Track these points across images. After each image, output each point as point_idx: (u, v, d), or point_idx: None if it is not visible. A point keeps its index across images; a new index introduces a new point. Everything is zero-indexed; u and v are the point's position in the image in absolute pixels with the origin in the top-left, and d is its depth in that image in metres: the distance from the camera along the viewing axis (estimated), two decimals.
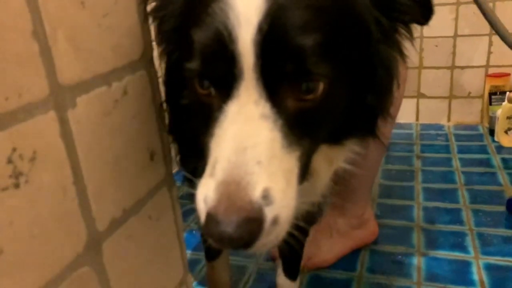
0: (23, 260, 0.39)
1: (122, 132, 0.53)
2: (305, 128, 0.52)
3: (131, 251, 0.56)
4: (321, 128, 0.56)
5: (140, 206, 0.57)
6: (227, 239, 0.44)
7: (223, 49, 0.48)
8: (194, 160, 0.60)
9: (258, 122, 0.48)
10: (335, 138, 0.63)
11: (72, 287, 0.45)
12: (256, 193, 0.45)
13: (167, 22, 0.56)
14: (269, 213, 0.45)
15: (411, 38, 0.62)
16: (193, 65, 0.50)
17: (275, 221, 0.46)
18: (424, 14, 0.61)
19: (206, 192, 0.46)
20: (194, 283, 1.33)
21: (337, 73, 0.51)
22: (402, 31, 0.61)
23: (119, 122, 0.52)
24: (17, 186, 0.38)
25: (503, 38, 1.13)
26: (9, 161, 0.38)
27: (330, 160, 0.66)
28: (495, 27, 1.10)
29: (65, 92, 0.44)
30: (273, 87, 0.49)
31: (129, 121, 0.54)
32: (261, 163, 0.46)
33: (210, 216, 0.45)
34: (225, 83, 0.49)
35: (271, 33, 0.47)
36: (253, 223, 0.44)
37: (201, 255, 1.36)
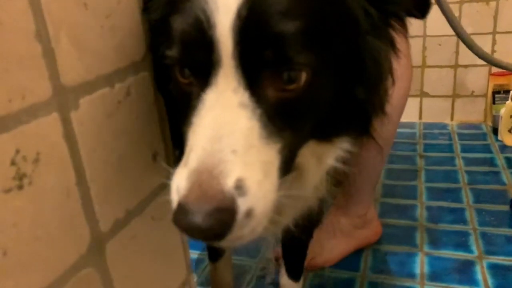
0: (27, 262, 0.39)
1: (125, 133, 0.53)
2: (286, 119, 0.50)
3: (135, 251, 0.56)
4: (305, 121, 0.54)
5: (143, 206, 0.57)
6: (196, 230, 0.42)
7: (201, 36, 0.47)
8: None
9: (236, 111, 0.47)
10: (324, 134, 0.60)
11: None
12: (228, 182, 0.43)
13: (155, 12, 0.55)
14: (243, 204, 0.43)
15: (405, 32, 0.60)
16: (172, 52, 0.49)
17: (249, 213, 0.44)
18: (419, 6, 0.59)
19: (179, 182, 0.45)
20: (197, 283, 1.33)
21: (321, 63, 0.50)
22: (396, 25, 0.59)
23: (122, 123, 0.52)
24: (20, 187, 0.38)
25: (464, 41, 1.12)
26: (13, 162, 0.38)
27: (319, 158, 0.63)
28: (457, 30, 1.10)
29: (68, 93, 0.44)
30: (252, 75, 0.47)
31: (132, 122, 0.54)
32: (237, 152, 0.45)
33: (180, 205, 0.43)
34: (204, 70, 0.48)
35: (250, 19, 0.45)
36: (224, 214, 0.42)
37: (204, 254, 1.36)
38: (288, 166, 0.53)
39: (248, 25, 0.45)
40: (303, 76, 0.49)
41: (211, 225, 0.42)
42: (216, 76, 0.47)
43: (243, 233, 0.45)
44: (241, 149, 0.45)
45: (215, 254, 1.16)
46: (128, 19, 0.53)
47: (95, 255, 0.48)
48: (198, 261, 1.41)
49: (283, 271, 1.09)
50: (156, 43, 0.55)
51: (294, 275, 1.08)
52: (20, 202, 0.38)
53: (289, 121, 0.50)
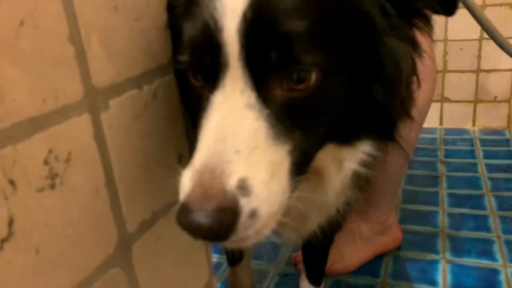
0: (57, 260, 0.40)
1: (152, 134, 0.53)
2: (296, 120, 0.49)
3: (159, 253, 0.56)
4: (316, 121, 0.52)
5: (168, 208, 0.57)
6: (197, 229, 0.42)
7: (209, 40, 0.47)
8: None
9: (242, 112, 0.47)
10: (343, 137, 0.59)
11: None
12: (231, 182, 0.43)
13: (175, 19, 0.55)
14: (246, 204, 0.43)
15: (429, 31, 0.58)
16: (184, 57, 0.50)
17: (253, 213, 0.43)
18: (444, 3, 0.56)
19: (184, 182, 0.45)
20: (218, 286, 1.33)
21: (333, 63, 0.49)
22: (419, 23, 0.57)
23: (149, 125, 0.53)
24: (52, 187, 0.39)
25: (499, 43, 1.09)
26: (46, 162, 0.38)
27: (340, 161, 0.61)
28: (490, 32, 1.07)
29: (99, 94, 0.44)
30: (259, 76, 0.47)
31: (159, 124, 0.55)
32: (240, 152, 0.44)
33: (182, 205, 0.43)
34: (213, 73, 0.48)
35: (255, 21, 0.46)
36: (225, 214, 0.42)
37: (224, 258, 1.36)
38: (301, 167, 0.52)
39: (254, 27, 0.46)
40: (313, 76, 0.48)
41: (212, 224, 0.41)
42: (224, 78, 0.48)
43: (247, 234, 0.44)
44: (245, 150, 0.45)
45: (234, 258, 1.15)
46: (155, 22, 0.53)
47: (122, 256, 0.49)
48: (217, 265, 1.41)
49: (303, 276, 1.09)
50: (175, 50, 0.56)
51: (315, 281, 1.07)
52: (52, 201, 0.39)
53: (300, 121, 0.50)
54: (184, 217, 0.42)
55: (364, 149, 0.61)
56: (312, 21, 0.47)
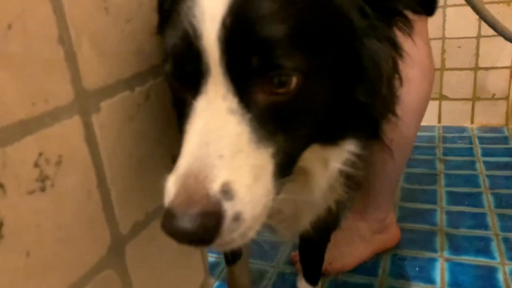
0: (49, 263, 0.40)
1: (145, 136, 0.53)
2: (279, 123, 0.49)
3: (153, 254, 0.56)
4: (299, 124, 0.53)
5: (162, 209, 0.57)
6: (181, 234, 0.42)
7: (189, 47, 0.47)
8: None
9: (224, 117, 0.47)
10: (327, 138, 0.59)
11: None
12: (214, 187, 0.43)
13: (162, 25, 0.55)
14: (230, 208, 0.43)
15: (409, 31, 0.58)
16: (167, 66, 0.51)
17: (237, 217, 0.44)
18: (423, 3, 0.57)
19: (169, 187, 0.46)
20: (214, 287, 1.33)
21: (313, 66, 0.49)
22: (399, 22, 0.57)
23: (142, 126, 0.53)
24: (43, 189, 0.39)
25: (502, 34, 1.09)
26: (36, 165, 0.38)
27: (325, 161, 0.62)
28: (491, 23, 1.06)
29: (90, 96, 0.44)
30: (241, 82, 0.47)
31: (152, 125, 0.55)
32: (223, 157, 0.45)
33: (166, 210, 0.44)
34: (195, 79, 0.49)
35: (235, 26, 0.46)
36: (209, 218, 0.42)
37: (222, 257, 1.36)
38: (286, 169, 0.52)
39: (233, 32, 0.46)
40: (294, 80, 0.48)
41: (196, 229, 0.42)
42: (206, 84, 0.48)
43: (232, 237, 0.44)
44: (228, 154, 0.45)
45: (231, 258, 1.16)
46: (147, 23, 0.53)
47: (115, 257, 0.49)
48: (215, 265, 1.42)
49: (300, 276, 1.09)
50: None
51: (312, 280, 1.07)
52: (42, 204, 0.39)
53: (282, 125, 0.50)
54: (169, 223, 0.43)
55: (348, 148, 0.62)
56: (291, 25, 0.47)
